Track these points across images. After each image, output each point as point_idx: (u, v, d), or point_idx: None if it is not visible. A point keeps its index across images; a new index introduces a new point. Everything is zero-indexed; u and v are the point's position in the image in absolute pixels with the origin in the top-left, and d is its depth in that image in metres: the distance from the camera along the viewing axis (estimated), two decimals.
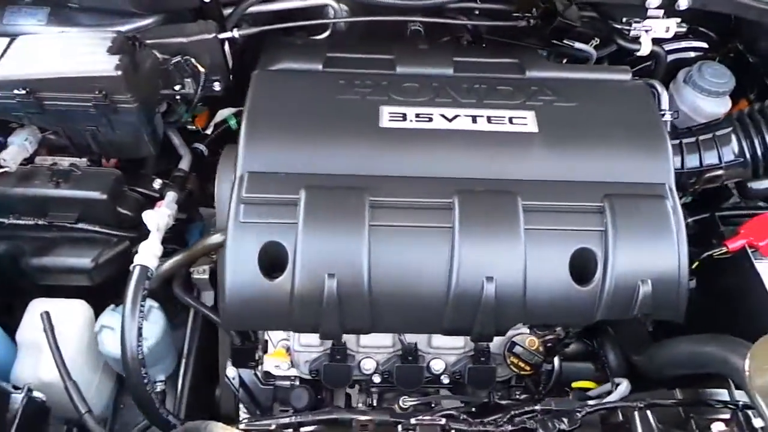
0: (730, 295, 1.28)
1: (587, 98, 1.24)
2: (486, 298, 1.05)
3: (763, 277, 1.18)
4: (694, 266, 1.31)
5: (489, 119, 1.18)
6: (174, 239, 1.44)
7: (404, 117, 1.17)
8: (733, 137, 1.27)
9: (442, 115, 1.18)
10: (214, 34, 1.27)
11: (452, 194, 1.09)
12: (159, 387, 1.44)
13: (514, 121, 1.18)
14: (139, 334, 1.09)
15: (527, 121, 1.19)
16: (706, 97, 1.46)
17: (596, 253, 1.07)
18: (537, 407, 1.02)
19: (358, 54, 1.34)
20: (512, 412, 1.03)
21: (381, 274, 1.06)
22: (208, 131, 1.63)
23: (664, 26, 1.33)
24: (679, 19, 1.36)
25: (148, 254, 1.15)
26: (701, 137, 1.28)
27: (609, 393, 1.22)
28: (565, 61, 1.50)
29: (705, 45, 1.63)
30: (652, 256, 1.07)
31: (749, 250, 1.21)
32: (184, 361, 1.48)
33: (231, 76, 1.38)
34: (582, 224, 1.08)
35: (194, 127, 1.65)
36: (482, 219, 1.07)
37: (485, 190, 1.10)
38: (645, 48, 1.44)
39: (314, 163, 1.12)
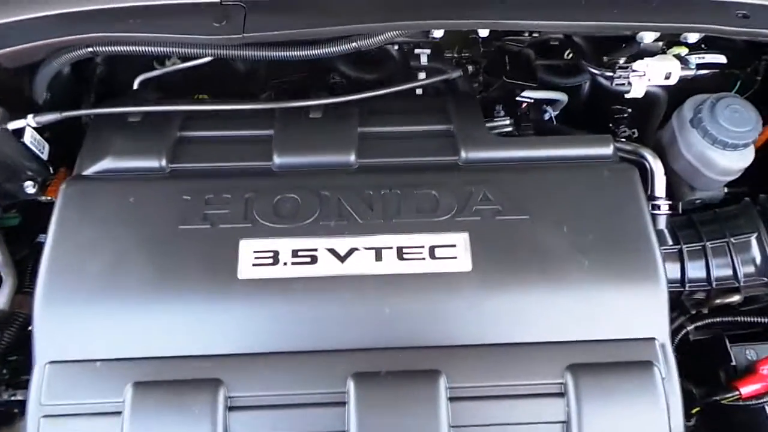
0: None
1: (545, 202, 0.88)
2: None
3: None
4: (693, 411, 1.06)
5: (400, 252, 0.83)
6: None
7: (275, 258, 0.83)
8: (755, 246, 0.92)
9: (331, 251, 0.83)
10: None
11: (346, 380, 0.78)
12: None
13: (437, 252, 0.83)
14: None
15: (457, 252, 0.84)
16: (721, 149, 1.15)
17: None
18: None
19: (223, 131, 0.96)
20: None
21: None
22: None
23: (662, 71, 0.95)
24: (679, 65, 0.97)
25: None
26: (710, 243, 0.93)
27: None
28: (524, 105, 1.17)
29: (723, 59, 1.28)
30: None
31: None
32: None
33: (50, 168, 1.05)
34: (535, 415, 0.78)
35: (47, 198, 1.35)
36: (389, 418, 0.76)
37: (393, 372, 0.78)
38: (637, 92, 1.05)
39: (144, 344, 0.80)
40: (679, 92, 1.18)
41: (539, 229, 0.86)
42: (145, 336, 0.80)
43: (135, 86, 1.24)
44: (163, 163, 0.92)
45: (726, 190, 1.16)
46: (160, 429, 0.75)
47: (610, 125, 1.28)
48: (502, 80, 0.99)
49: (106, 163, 0.91)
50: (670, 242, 0.95)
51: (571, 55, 1.22)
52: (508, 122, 1.13)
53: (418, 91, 1.16)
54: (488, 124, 1.05)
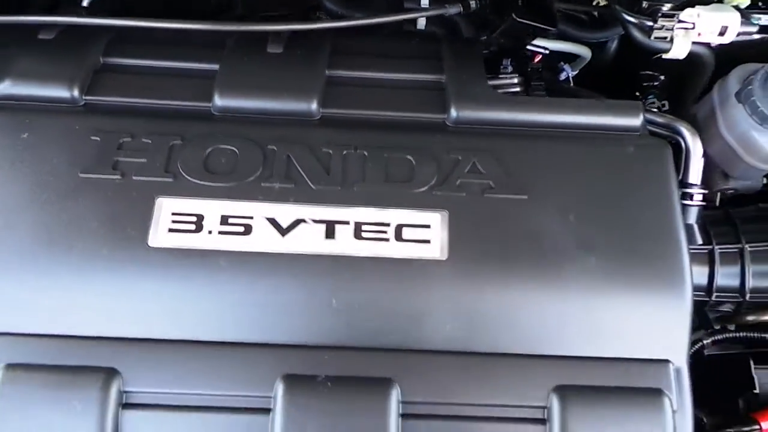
0: None
1: (550, 181, 0.70)
2: None
3: None
4: None
5: (358, 229, 0.66)
6: None
7: (198, 223, 0.66)
8: None
9: (272, 221, 0.66)
10: None
11: (274, 382, 0.63)
12: None
13: (405, 233, 0.67)
14: None
15: (431, 234, 0.67)
16: None
17: None
18: None
19: (158, 60, 0.78)
20: None
21: None
22: None
23: (717, 24, 0.75)
24: (739, 19, 0.77)
25: None
26: (749, 246, 0.76)
27: None
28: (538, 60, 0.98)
29: None
30: None
31: None
32: None
33: None
34: None
35: None
36: None
37: (334, 377, 0.63)
38: (679, 50, 0.87)
39: (23, 317, 0.64)
40: (726, 61, 1.02)
41: (538, 214, 0.69)
42: (25, 308, 0.64)
43: None
44: (76, 93, 0.74)
45: (766, 180, 1.02)
46: (31, 425, 0.61)
47: (637, 94, 1.13)
48: (511, 19, 0.81)
49: (5, 88, 0.74)
50: (700, 241, 0.78)
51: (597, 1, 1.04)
52: (516, 81, 0.96)
53: (421, 24, 0.96)
54: (492, 82, 0.89)
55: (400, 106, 0.76)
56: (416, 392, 0.64)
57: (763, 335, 0.89)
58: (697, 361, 0.92)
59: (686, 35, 0.78)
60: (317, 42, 0.82)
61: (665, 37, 0.78)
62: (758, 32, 1.01)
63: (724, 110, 0.95)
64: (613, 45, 1.10)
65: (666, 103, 1.13)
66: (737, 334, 0.89)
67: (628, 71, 1.12)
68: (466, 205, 0.69)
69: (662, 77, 1.10)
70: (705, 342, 0.90)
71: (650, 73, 1.11)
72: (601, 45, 1.11)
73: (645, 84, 1.11)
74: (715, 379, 0.92)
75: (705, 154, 1.02)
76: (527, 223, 0.68)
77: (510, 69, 0.98)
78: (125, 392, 0.63)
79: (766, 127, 0.89)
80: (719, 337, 0.90)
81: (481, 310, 0.66)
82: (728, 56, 0.98)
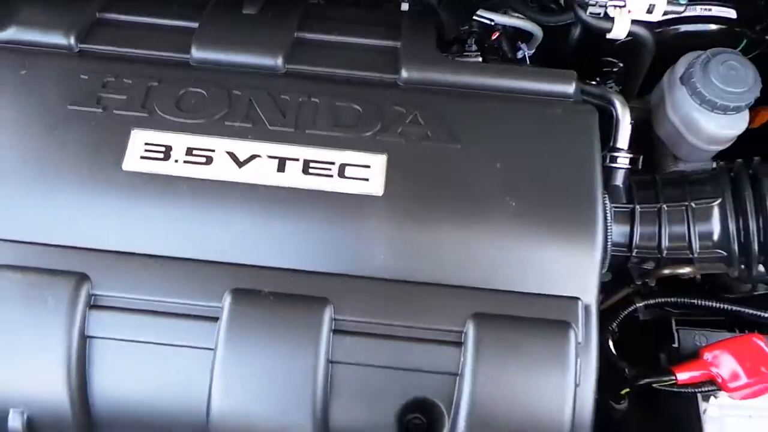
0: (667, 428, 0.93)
1: (482, 134, 0.78)
2: None
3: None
4: (623, 392, 0.99)
5: (306, 166, 0.75)
6: None
7: (167, 153, 0.76)
8: (716, 213, 0.82)
9: (231, 154, 0.76)
10: None
11: (222, 294, 0.71)
12: None
13: (347, 171, 0.76)
14: None
15: (371, 173, 0.76)
16: (709, 111, 1.03)
17: (441, 408, 0.70)
18: None
19: (147, 17, 0.88)
20: None
21: (105, 411, 0.72)
22: None
23: (645, 1, 0.84)
24: None
25: None
26: (666, 206, 0.83)
27: None
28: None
29: (733, 14, 1.15)
30: (527, 423, 0.71)
31: (700, 395, 0.82)
32: None
33: None
34: (424, 361, 0.70)
35: None
36: (261, 340, 0.70)
37: (276, 293, 0.71)
38: (619, 30, 0.95)
39: (5, 224, 0.74)
40: (681, 51, 1.08)
41: (468, 161, 0.77)
42: (10, 216, 0.74)
43: None
44: (72, 41, 0.84)
45: (714, 164, 1.08)
46: (7, 316, 0.70)
47: (597, 79, 1.20)
48: None
49: (11, 34, 0.84)
50: (624, 200, 0.85)
51: None
52: (480, 60, 1.04)
53: (404, 7, 1.05)
54: (458, 59, 0.97)
55: (358, 66, 0.85)
56: (348, 312, 0.72)
57: (691, 300, 0.96)
58: (632, 323, 1.00)
59: (621, 13, 0.86)
60: (290, 6, 0.92)
61: (599, 14, 0.85)
62: (706, 22, 1.11)
63: (671, 93, 1.02)
64: (576, 32, 1.17)
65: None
66: (668, 299, 0.96)
67: (591, 59, 1.20)
68: (404, 150, 0.77)
69: (621, 64, 1.19)
70: (638, 305, 0.97)
71: (610, 59, 1.19)
72: (564, 33, 1.19)
73: (605, 70, 1.19)
74: (644, 338, 0.98)
75: (657, 138, 1.11)
76: (458, 169, 0.77)
77: (474, 48, 1.07)
78: (93, 295, 0.72)
79: (705, 108, 0.97)
80: (651, 301, 0.97)
81: (411, 242, 0.74)
82: (683, 46, 1.06)
